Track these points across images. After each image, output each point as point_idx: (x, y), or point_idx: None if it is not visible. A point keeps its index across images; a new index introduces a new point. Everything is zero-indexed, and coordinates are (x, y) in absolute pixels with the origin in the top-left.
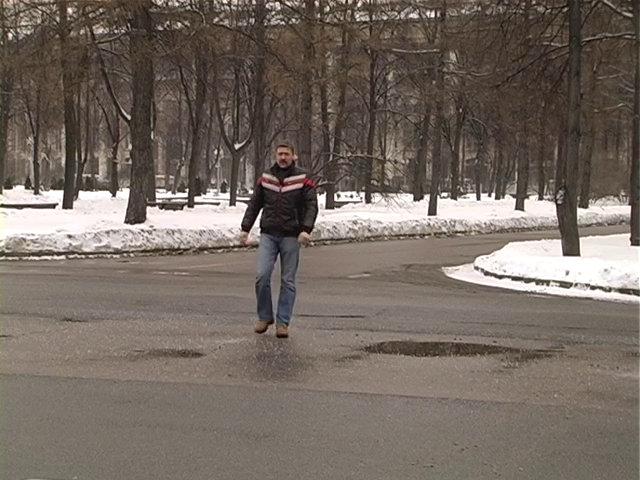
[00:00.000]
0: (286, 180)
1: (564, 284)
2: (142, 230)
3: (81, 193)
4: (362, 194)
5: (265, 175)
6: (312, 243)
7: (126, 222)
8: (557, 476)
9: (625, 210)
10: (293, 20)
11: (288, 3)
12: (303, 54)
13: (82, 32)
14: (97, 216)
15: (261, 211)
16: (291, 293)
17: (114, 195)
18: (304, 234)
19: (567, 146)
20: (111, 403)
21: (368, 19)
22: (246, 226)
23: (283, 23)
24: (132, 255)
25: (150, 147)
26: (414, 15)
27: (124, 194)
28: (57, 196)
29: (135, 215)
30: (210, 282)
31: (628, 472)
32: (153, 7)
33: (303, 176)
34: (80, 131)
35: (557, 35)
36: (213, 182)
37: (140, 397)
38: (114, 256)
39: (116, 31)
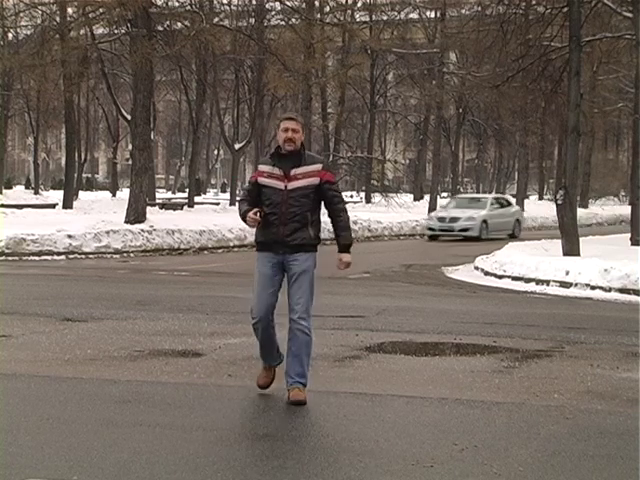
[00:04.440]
0: (294, 172)
1: (564, 284)
2: (142, 230)
3: (81, 193)
4: (362, 194)
5: (262, 167)
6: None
7: (126, 222)
8: (557, 476)
9: (625, 210)
10: (293, 20)
11: (288, 3)
12: (303, 54)
13: (82, 32)
14: (97, 216)
15: None
16: (305, 338)
17: (114, 195)
18: (345, 257)
19: (567, 146)
20: (111, 403)
21: (368, 19)
22: (248, 208)
23: (283, 23)
24: (132, 255)
25: (150, 147)
26: (414, 15)
27: (124, 194)
28: (57, 196)
29: (135, 215)
30: (210, 282)
31: (628, 472)
32: (153, 7)
33: (319, 167)
34: (80, 131)
35: (557, 35)
36: (213, 182)
37: (140, 397)
38: (114, 256)
39: (116, 31)
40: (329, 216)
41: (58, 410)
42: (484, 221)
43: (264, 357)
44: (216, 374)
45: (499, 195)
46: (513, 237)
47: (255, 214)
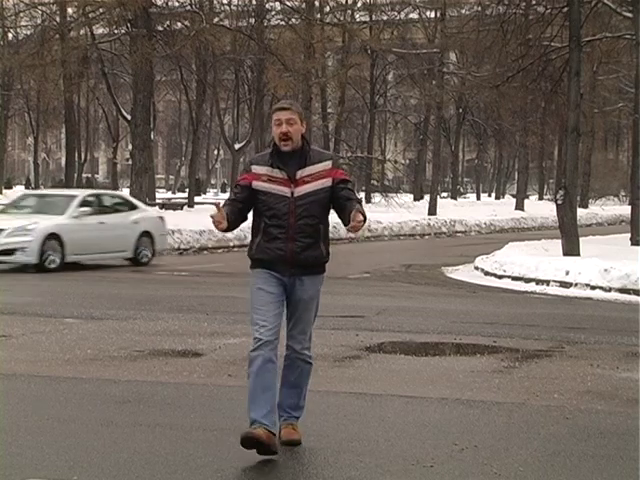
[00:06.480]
0: (301, 174)
1: (564, 284)
2: None
3: None
4: (362, 194)
5: (258, 168)
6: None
7: None
8: (557, 476)
9: (625, 210)
10: (293, 20)
11: (288, 3)
12: (303, 54)
13: (82, 32)
14: None
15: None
16: (307, 368)
17: None
18: (359, 216)
19: (567, 146)
20: (111, 403)
21: (368, 19)
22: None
23: (283, 23)
24: None
25: (150, 147)
26: (414, 15)
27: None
28: None
29: None
30: (210, 282)
31: (628, 472)
32: (153, 7)
33: (328, 164)
34: (80, 131)
35: (557, 35)
36: (213, 182)
37: (140, 397)
38: None
39: (116, 31)
40: (340, 211)
41: (58, 410)
42: (53, 236)
43: (255, 408)
44: (216, 374)
45: (105, 192)
46: (137, 263)
47: (219, 212)
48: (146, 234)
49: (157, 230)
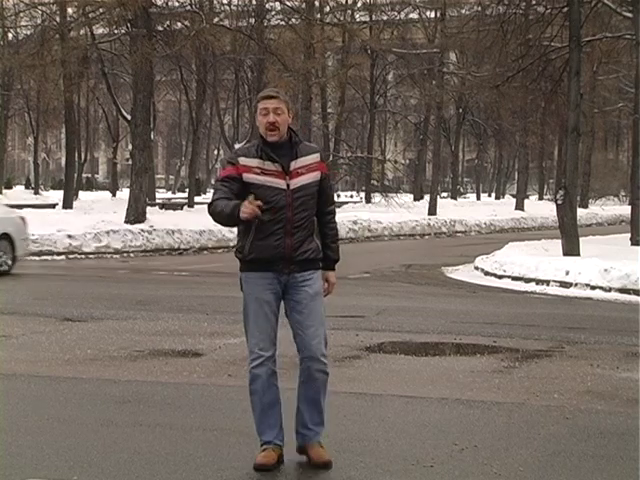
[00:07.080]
0: (294, 166)
1: (564, 284)
2: (142, 230)
3: (81, 193)
4: (362, 194)
5: (247, 160)
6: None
7: (126, 222)
8: (557, 476)
9: (625, 210)
10: (293, 20)
11: (288, 3)
12: (303, 54)
13: (82, 32)
14: (97, 216)
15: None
16: (324, 378)
17: (114, 195)
18: (333, 277)
19: (567, 146)
20: (111, 403)
21: (368, 19)
22: (238, 202)
23: (283, 23)
24: (132, 255)
25: (150, 147)
26: (414, 15)
27: (124, 194)
28: (57, 196)
29: (135, 215)
30: (210, 282)
31: (628, 472)
32: (153, 7)
33: (317, 157)
34: (80, 131)
35: (557, 35)
36: (213, 182)
37: (140, 397)
38: (114, 256)
39: (116, 31)
40: (318, 220)
41: (58, 410)
42: None
43: (264, 430)
44: (216, 374)
45: None
46: None
47: (251, 205)
48: (5, 237)
49: (18, 233)
